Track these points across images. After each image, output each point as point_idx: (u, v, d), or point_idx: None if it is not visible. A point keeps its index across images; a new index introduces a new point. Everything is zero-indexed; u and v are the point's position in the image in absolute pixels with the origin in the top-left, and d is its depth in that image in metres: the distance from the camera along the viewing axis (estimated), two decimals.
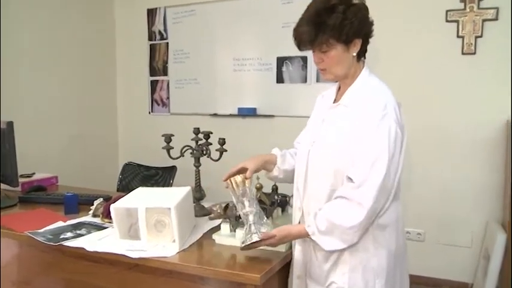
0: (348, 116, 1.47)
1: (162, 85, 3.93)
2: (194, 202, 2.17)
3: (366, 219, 1.40)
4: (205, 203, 2.27)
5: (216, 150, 2.19)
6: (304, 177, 1.56)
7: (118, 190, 3.34)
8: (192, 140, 2.25)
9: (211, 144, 2.23)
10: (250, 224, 1.51)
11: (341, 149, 1.43)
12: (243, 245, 1.48)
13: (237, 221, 1.80)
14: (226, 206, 1.91)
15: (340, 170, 1.44)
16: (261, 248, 1.59)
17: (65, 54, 3.58)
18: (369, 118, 1.40)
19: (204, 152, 2.25)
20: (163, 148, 2.24)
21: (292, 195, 1.69)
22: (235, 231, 1.80)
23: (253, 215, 1.54)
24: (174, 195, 1.84)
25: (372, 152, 1.39)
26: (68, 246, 1.78)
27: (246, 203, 1.56)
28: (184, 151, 2.21)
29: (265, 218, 1.57)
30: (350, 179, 1.40)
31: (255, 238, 1.48)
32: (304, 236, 1.47)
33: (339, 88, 1.61)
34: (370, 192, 1.39)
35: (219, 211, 2.07)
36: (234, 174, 1.61)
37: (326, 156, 1.47)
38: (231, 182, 1.59)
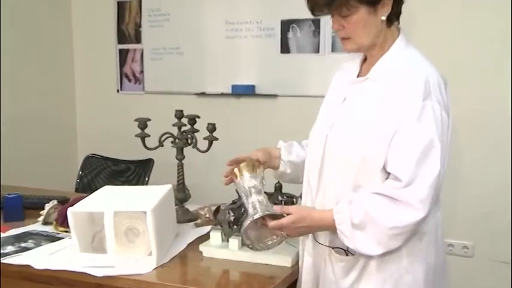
0: (378, 93, 1.51)
1: (134, 55, 3.97)
2: (176, 204, 2.21)
3: (415, 224, 1.46)
4: (191, 206, 2.32)
5: (204, 138, 2.23)
6: (319, 169, 1.60)
7: (77, 190, 3.39)
8: (173, 125, 2.28)
9: (197, 131, 2.27)
10: (257, 210, 1.56)
11: (369, 132, 1.47)
12: (246, 224, 1.54)
13: (230, 228, 1.82)
14: (217, 209, 1.94)
15: (368, 160, 1.48)
16: (264, 262, 1.65)
17: (4, 16, 3.52)
18: (409, 98, 1.45)
19: (189, 141, 2.29)
20: (136, 136, 2.27)
21: (300, 195, 1.73)
22: (228, 240, 1.82)
23: (264, 205, 1.59)
24: (151, 195, 1.88)
25: (419, 141, 1.44)
26: (9, 264, 1.77)
27: (254, 193, 1.62)
28: (164, 140, 2.24)
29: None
30: (395, 177, 1.46)
31: (259, 215, 1.52)
32: (328, 225, 1.51)
33: (364, 60, 1.65)
34: (423, 191, 1.44)
35: (207, 216, 2.13)
36: (239, 162, 1.68)
37: (349, 142, 1.51)
38: (238, 170, 1.66)
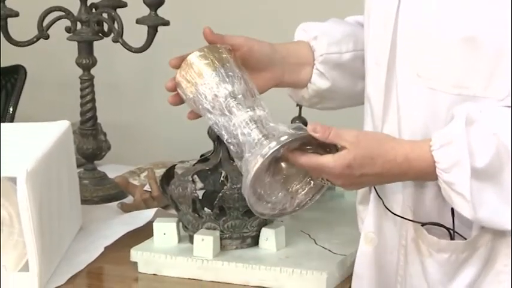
0: None
1: None
2: (81, 165, 1.84)
3: None
4: (111, 168, 1.88)
5: (139, 22, 1.82)
6: (387, 68, 1.24)
7: None
8: None
9: (124, 5, 1.84)
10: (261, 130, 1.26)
11: None
12: (264, 156, 1.13)
13: (197, 214, 1.46)
14: (169, 174, 1.54)
15: (481, 45, 1.13)
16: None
17: None
18: None
19: (106, 28, 1.83)
20: None
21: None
22: (192, 239, 1.47)
23: (265, 121, 1.29)
24: (24, 145, 1.52)
25: None
26: None
27: (239, 105, 1.21)
28: (50, 24, 1.79)
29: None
30: None
31: (285, 137, 1.14)
32: (419, 171, 1.15)
33: None
34: None
35: (147, 188, 1.66)
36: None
37: (444, 14, 1.18)
38: (186, 65, 1.28)
